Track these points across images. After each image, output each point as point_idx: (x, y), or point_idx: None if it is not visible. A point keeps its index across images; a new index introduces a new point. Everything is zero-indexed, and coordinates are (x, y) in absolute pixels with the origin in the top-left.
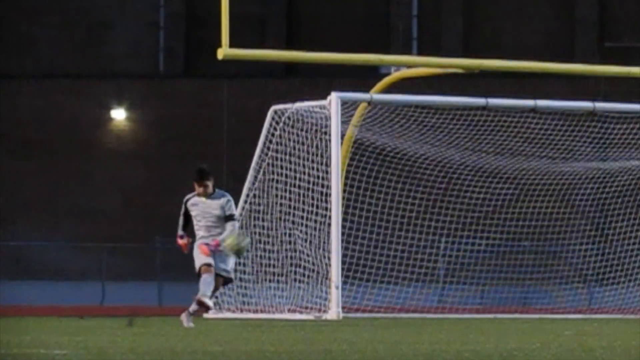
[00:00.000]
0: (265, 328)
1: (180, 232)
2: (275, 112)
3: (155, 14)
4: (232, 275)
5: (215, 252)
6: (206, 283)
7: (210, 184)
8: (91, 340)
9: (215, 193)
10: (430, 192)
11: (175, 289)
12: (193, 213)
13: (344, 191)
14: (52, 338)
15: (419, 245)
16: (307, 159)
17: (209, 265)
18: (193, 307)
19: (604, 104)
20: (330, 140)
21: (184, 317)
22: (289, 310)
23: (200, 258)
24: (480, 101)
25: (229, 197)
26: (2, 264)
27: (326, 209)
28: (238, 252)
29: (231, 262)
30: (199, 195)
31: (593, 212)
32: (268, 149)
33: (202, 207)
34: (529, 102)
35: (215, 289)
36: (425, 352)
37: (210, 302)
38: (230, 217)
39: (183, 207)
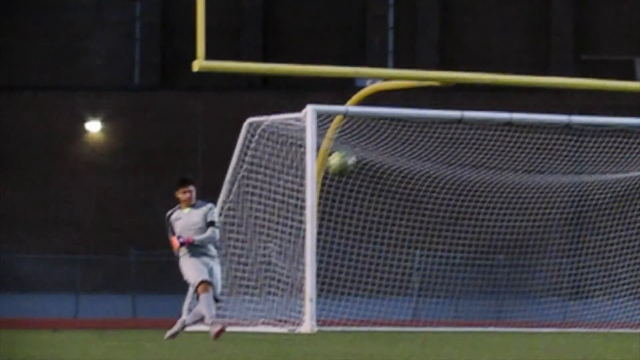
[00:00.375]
0: (239, 341)
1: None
2: (251, 124)
3: (130, 26)
4: (219, 296)
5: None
6: (209, 305)
7: (193, 189)
8: (64, 353)
9: (198, 203)
10: (405, 205)
11: (149, 301)
12: (177, 229)
13: (319, 204)
14: (24, 351)
15: (393, 259)
16: (283, 172)
17: (207, 283)
18: (190, 320)
19: (579, 118)
20: (305, 153)
21: (179, 322)
22: (262, 323)
23: (194, 273)
24: (455, 114)
25: (211, 205)
26: None
27: (301, 221)
28: (343, 172)
29: (219, 282)
30: (181, 207)
31: (568, 226)
32: (243, 161)
33: (185, 219)
34: (505, 115)
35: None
36: None
37: (219, 325)
38: (211, 224)
39: (168, 226)
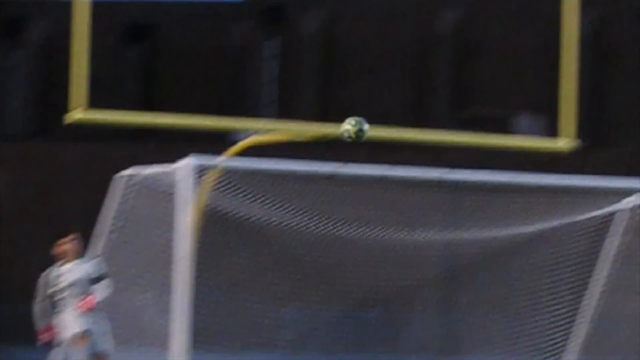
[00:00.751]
0: None
1: (42, 324)
2: (126, 176)
3: (6, 75)
4: (107, 351)
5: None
6: (78, 354)
7: (76, 241)
8: None
9: (84, 257)
10: (279, 259)
11: (20, 355)
12: (62, 284)
13: (193, 256)
14: None
15: (265, 312)
16: (158, 225)
17: (85, 333)
18: None
19: (456, 174)
20: (180, 206)
21: None
22: None
23: (73, 325)
24: (330, 168)
25: (98, 258)
26: None
27: (175, 274)
28: (358, 137)
29: (105, 336)
30: (62, 264)
31: (441, 282)
32: (118, 214)
33: (73, 273)
34: (380, 171)
35: None
36: None
37: None
38: (103, 277)
39: (41, 289)
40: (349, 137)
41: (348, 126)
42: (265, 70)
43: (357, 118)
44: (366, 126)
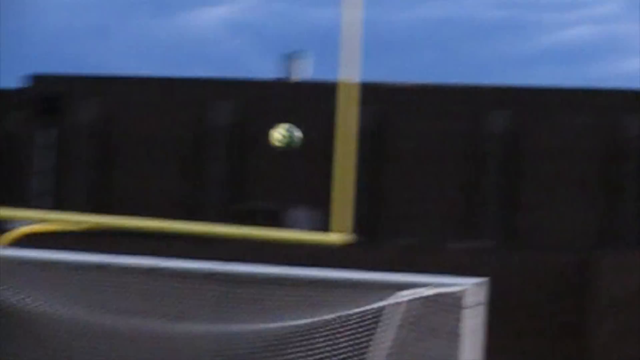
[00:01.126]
0: None
1: None
2: None
3: None
4: None
5: None
6: None
7: None
8: None
9: None
10: (53, 351)
11: None
12: None
13: None
14: None
15: None
16: None
17: None
18: None
19: (227, 266)
20: None
21: None
22: None
23: None
24: (98, 259)
25: None
26: None
27: None
28: (289, 145)
29: None
30: None
31: None
32: None
33: None
34: (150, 262)
35: None
36: None
37: None
38: None
39: None
40: (280, 145)
41: (279, 135)
42: (39, 159)
43: (289, 128)
44: (297, 134)
